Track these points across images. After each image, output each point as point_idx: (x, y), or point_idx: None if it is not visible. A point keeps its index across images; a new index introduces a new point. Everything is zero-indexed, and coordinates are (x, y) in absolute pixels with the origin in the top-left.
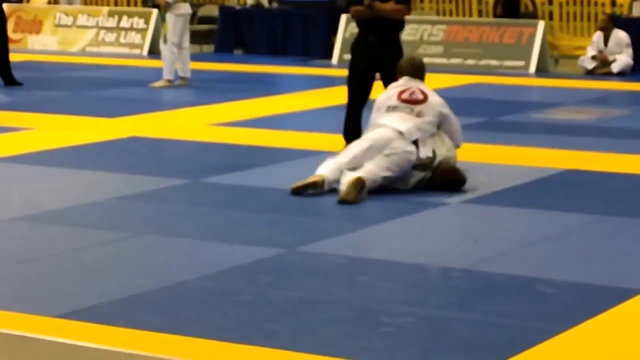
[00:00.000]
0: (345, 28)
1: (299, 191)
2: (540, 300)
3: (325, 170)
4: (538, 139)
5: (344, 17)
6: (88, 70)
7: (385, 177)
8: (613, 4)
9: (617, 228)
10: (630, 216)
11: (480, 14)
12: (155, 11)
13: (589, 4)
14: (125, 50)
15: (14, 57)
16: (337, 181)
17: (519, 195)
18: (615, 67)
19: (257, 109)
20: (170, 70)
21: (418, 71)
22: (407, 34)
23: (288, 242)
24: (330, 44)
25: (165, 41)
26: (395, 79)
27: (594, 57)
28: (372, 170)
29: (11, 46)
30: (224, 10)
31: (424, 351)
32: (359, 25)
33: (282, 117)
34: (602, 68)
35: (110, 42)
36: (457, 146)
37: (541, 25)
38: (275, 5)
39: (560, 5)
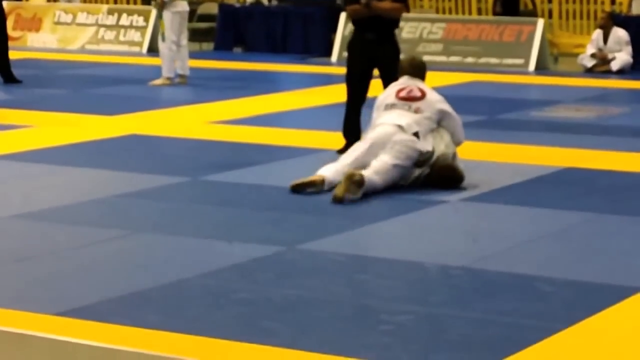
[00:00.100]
0: (345, 26)
1: (298, 189)
2: (540, 298)
3: (326, 171)
4: (537, 137)
5: (343, 15)
6: (87, 68)
7: (395, 166)
8: (612, 2)
9: (616, 226)
10: (629, 214)
11: (479, 11)
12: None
13: (588, 2)
14: (125, 48)
15: (13, 55)
16: (338, 182)
17: (519, 193)
18: (614, 65)
19: (256, 106)
20: (170, 68)
21: (418, 71)
22: (407, 32)
23: (288, 240)
24: (330, 41)
25: (163, 39)
26: (394, 77)
27: (593, 55)
28: (380, 166)
29: (11, 44)
30: (224, 8)
31: (424, 349)
32: (355, 23)
33: (282, 115)
34: (601, 66)
35: (110, 40)
36: (459, 143)
37: (541, 23)
38: (274, 3)
39: (560, 3)
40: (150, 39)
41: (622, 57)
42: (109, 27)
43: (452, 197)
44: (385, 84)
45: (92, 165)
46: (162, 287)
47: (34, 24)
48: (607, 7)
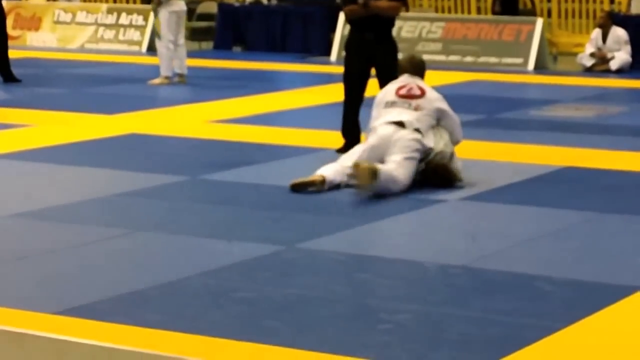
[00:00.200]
0: (344, 25)
1: (298, 188)
2: (539, 297)
3: (326, 171)
4: (537, 136)
5: (342, 14)
6: (87, 67)
7: (407, 159)
8: (612, 1)
9: (616, 225)
10: (629, 213)
11: (478, 11)
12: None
13: (587, 1)
14: (124, 47)
15: (13, 54)
16: (338, 182)
17: (518, 192)
18: (613, 65)
19: (256, 105)
20: (167, 67)
21: (417, 69)
22: (406, 31)
23: (287, 239)
24: (329, 41)
25: (159, 38)
26: (393, 76)
27: (592, 55)
28: (393, 165)
29: (10, 43)
30: (223, 7)
31: (423, 348)
32: (353, 24)
33: (281, 114)
34: (600, 65)
35: (109, 39)
36: (456, 142)
37: (540, 22)
38: (274, 2)
39: (559, 2)
40: (150, 38)
41: (621, 56)
42: (108, 26)
43: (452, 196)
44: (382, 84)
45: (92, 164)
46: (162, 286)
47: (34, 23)
48: (606, 6)
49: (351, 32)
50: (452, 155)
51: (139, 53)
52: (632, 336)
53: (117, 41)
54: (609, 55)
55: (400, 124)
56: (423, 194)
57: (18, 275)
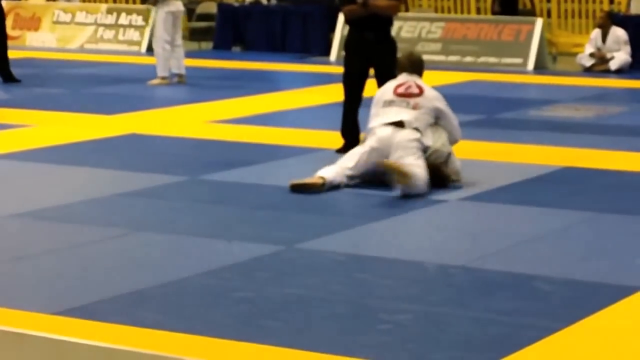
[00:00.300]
0: (344, 25)
1: (298, 189)
2: (539, 297)
3: (326, 172)
4: (536, 136)
5: (342, 15)
6: (86, 68)
7: (419, 158)
8: (611, 1)
9: (615, 225)
10: (628, 213)
11: (478, 11)
12: (153, 8)
13: (587, 1)
14: (124, 47)
15: (12, 54)
16: (338, 183)
17: (517, 192)
18: (613, 65)
19: (255, 106)
20: (164, 68)
21: (416, 66)
22: (406, 31)
23: (287, 239)
24: (329, 41)
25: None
26: (392, 75)
27: (592, 55)
28: (411, 166)
29: (10, 43)
30: (223, 7)
31: (423, 348)
32: (352, 24)
33: (281, 114)
34: (600, 65)
35: (109, 39)
36: (455, 141)
37: (539, 22)
38: (273, 2)
39: (559, 2)
40: (149, 38)
41: (620, 57)
42: (107, 26)
43: (452, 196)
44: (381, 83)
45: (91, 164)
46: (162, 286)
47: (33, 23)
48: (606, 7)
49: (350, 32)
50: (449, 155)
51: (138, 53)
52: (632, 336)
53: (117, 41)
54: (609, 55)
55: (399, 124)
56: (422, 193)
57: (18, 275)
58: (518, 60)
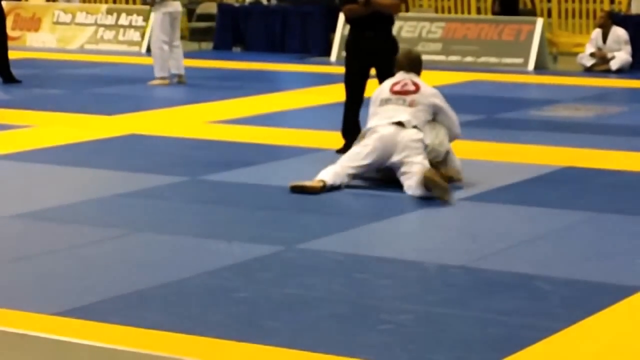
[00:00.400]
0: (344, 25)
1: (298, 191)
2: (539, 297)
3: (326, 175)
4: (536, 136)
5: (342, 14)
6: (87, 68)
7: (425, 158)
8: (612, 1)
9: (616, 225)
10: (628, 213)
11: (478, 11)
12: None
13: (587, 1)
14: (124, 47)
15: (12, 55)
16: (339, 185)
17: (518, 192)
18: (613, 65)
19: (255, 106)
20: (161, 68)
21: (413, 64)
22: (406, 31)
23: (287, 239)
24: (329, 41)
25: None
26: (392, 73)
27: (592, 55)
28: (421, 167)
29: (10, 43)
30: (223, 7)
31: (423, 348)
32: (353, 23)
33: (281, 115)
34: (600, 65)
35: (109, 40)
36: (454, 137)
37: (540, 22)
38: (273, 2)
39: (559, 2)
40: (149, 38)
41: (621, 56)
42: (108, 26)
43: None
44: (381, 82)
45: (91, 164)
46: (162, 286)
47: (33, 23)
48: (606, 6)
49: (351, 31)
50: (447, 153)
51: (138, 54)
52: (632, 336)
53: (117, 42)
54: (609, 55)
55: (399, 124)
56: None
57: (18, 276)
58: (518, 60)
